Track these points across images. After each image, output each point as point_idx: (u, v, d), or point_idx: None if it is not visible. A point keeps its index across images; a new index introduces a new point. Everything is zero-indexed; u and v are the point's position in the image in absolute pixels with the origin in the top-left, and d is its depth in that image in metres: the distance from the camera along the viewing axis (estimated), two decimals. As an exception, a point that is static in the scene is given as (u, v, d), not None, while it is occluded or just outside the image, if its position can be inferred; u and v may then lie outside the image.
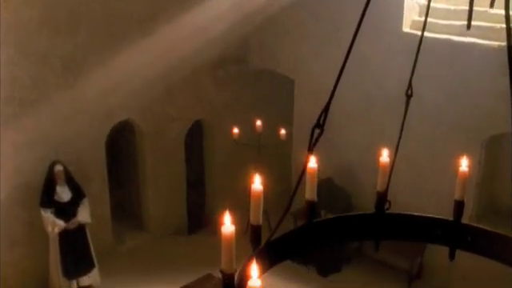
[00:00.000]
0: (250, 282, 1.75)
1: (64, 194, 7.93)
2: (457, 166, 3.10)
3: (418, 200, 7.98)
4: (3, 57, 7.40)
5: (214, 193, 10.51)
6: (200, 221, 10.53)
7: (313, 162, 3.00)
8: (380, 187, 3.15)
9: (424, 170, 8.38)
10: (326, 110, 2.05)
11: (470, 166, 3.10)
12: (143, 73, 8.90)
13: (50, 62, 7.86)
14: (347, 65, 8.68)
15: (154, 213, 9.91)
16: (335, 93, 8.32)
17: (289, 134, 9.23)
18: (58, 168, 7.88)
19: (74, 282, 8.24)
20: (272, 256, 2.60)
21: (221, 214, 2.22)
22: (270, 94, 10.53)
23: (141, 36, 8.58)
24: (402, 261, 8.73)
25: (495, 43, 7.39)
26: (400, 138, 3.10)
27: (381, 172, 3.13)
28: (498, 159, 8.18)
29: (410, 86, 2.69)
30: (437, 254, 8.52)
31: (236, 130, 9.08)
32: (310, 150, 2.10)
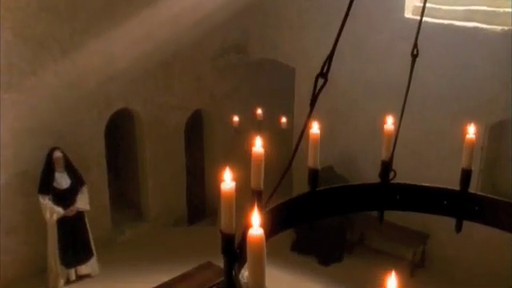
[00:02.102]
0: (251, 231, 1.65)
1: (63, 180, 7.86)
2: (464, 133, 3.03)
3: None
4: (1, 42, 7.30)
5: (215, 183, 10.40)
6: (200, 211, 10.46)
7: (315, 128, 2.92)
8: (384, 156, 3.07)
9: (426, 157, 8.30)
10: (329, 58, 1.96)
11: (476, 134, 3.03)
12: (142, 60, 8.83)
13: (48, 47, 7.76)
14: (349, 54, 8.65)
15: (153, 203, 9.83)
16: (336, 85, 8.23)
17: (289, 122, 9.13)
18: (57, 154, 7.80)
19: (73, 271, 8.20)
20: (273, 223, 2.52)
21: (221, 170, 2.14)
22: (270, 83, 10.44)
23: (140, 22, 8.50)
24: (404, 250, 8.66)
25: (498, 27, 7.32)
26: (405, 104, 3.02)
27: (385, 140, 3.05)
28: (500, 147, 8.11)
29: (415, 45, 2.60)
30: (440, 242, 8.47)
31: (236, 119, 9.00)
32: (313, 101, 2.00)
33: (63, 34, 7.87)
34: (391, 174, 3.05)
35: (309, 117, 2.09)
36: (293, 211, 2.88)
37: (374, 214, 8.53)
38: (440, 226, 8.34)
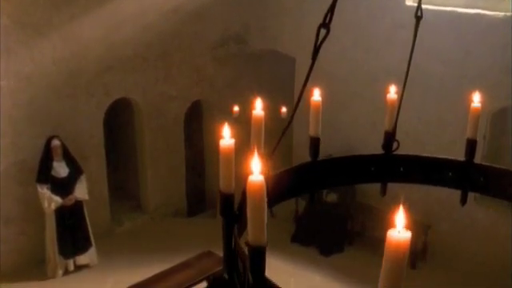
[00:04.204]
0: (251, 177, 1.58)
1: (61, 169, 7.79)
2: (469, 101, 2.96)
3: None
4: (-1, 28, 7.25)
5: (214, 175, 10.34)
6: (200, 204, 10.37)
7: (317, 95, 2.85)
8: (388, 126, 3.00)
9: (428, 146, 8.22)
10: (332, 8, 1.89)
11: (482, 102, 2.95)
12: (142, 50, 8.79)
13: (46, 34, 7.68)
14: (349, 42, 8.50)
15: (152, 194, 9.75)
16: (336, 73, 8.11)
17: (289, 112, 9.07)
18: (55, 143, 7.73)
19: (71, 261, 8.13)
20: (274, 192, 2.44)
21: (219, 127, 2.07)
22: (270, 73, 10.37)
23: (140, 11, 8.44)
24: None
25: (500, 13, 7.25)
26: (408, 70, 2.93)
27: (388, 110, 2.98)
28: (502, 135, 8.04)
29: (419, 6, 2.53)
30: (441, 233, 8.40)
31: (236, 108, 8.94)
32: (315, 53, 1.93)
33: (61, 21, 7.79)
34: (394, 145, 2.98)
35: (310, 69, 2.03)
36: (293, 181, 2.81)
37: (375, 204, 8.51)
38: (441, 215, 8.34)
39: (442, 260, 8.46)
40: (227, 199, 2.09)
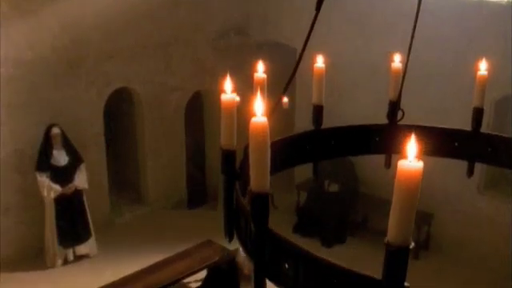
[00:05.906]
0: (254, 119, 1.52)
1: (61, 157, 7.73)
2: (475, 69, 2.90)
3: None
4: (-2, 15, 7.19)
5: (215, 167, 10.28)
6: (200, 196, 10.30)
7: (320, 62, 2.79)
8: (392, 95, 2.95)
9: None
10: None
11: (489, 70, 2.89)
12: (143, 40, 8.72)
13: (46, 22, 7.62)
14: (350, 32, 8.41)
15: (152, 185, 9.69)
16: (338, 63, 7.97)
17: (291, 102, 9.01)
18: (55, 131, 7.67)
19: (71, 251, 8.08)
20: (275, 159, 2.38)
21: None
22: (271, 63, 10.30)
23: (141, 0, 8.38)
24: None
25: (503, 1, 7.20)
26: (412, 39, 2.86)
27: (393, 78, 2.93)
28: (506, 123, 7.98)
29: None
30: (444, 222, 8.34)
31: (238, 98, 8.87)
32: (319, 5, 1.88)
33: (61, 8, 7.72)
34: (399, 114, 2.92)
35: (314, 22, 1.98)
36: (296, 149, 2.75)
37: (378, 194, 8.36)
38: (444, 205, 8.26)
39: (445, 250, 8.40)
40: (228, 156, 2.04)
